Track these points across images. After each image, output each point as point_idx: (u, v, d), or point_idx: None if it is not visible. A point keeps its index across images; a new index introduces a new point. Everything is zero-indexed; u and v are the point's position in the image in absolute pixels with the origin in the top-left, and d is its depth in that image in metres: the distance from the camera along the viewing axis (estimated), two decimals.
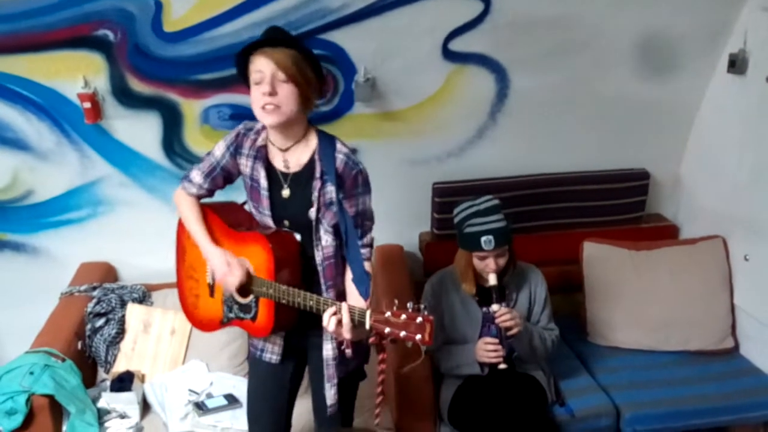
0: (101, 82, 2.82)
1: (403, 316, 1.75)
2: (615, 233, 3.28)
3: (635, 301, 3.09)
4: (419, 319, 1.73)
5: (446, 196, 3.14)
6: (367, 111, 3.04)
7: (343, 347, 1.95)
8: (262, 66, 1.84)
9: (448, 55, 2.95)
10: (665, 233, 3.42)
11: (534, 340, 2.61)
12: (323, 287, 1.98)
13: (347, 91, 2.96)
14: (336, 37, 2.80)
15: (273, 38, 1.88)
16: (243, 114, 2.93)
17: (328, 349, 2.02)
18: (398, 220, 3.16)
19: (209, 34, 2.75)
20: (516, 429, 2.48)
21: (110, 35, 2.71)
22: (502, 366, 2.47)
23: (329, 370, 2.02)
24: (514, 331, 2.48)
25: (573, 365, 2.98)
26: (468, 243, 2.52)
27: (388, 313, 1.77)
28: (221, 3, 2.69)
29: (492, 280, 2.49)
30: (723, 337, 3.08)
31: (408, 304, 1.76)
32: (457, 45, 2.92)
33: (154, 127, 2.96)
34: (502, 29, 2.87)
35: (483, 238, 2.46)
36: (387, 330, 1.76)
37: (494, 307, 2.48)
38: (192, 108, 2.94)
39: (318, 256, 1.98)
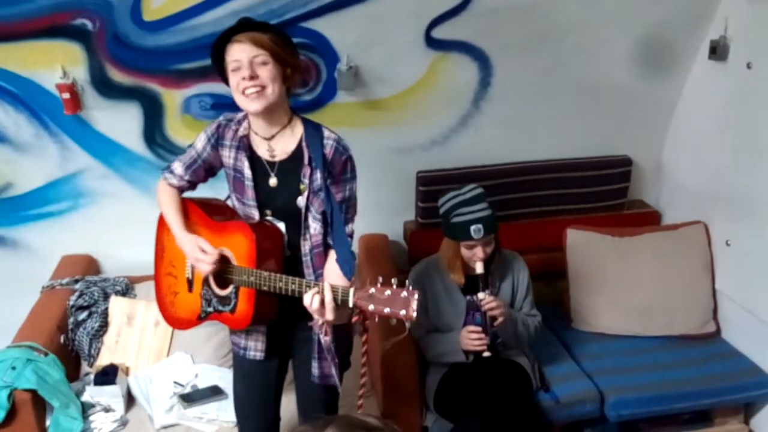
0: (80, 72, 2.77)
1: (388, 292, 1.72)
2: (598, 220, 3.30)
3: (618, 287, 3.12)
4: (404, 294, 1.71)
5: (430, 185, 3.14)
6: (350, 99, 3.02)
7: (321, 334, 1.93)
8: (237, 54, 1.83)
9: (431, 42, 2.93)
10: (647, 219, 3.45)
11: (518, 327, 2.62)
12: (311, 277, 1.96)
13: (330, 80, 2.94)
14: (318, 25, 2.78)
15: (244, 24, 1.87)
16: (225, 103, 2.90)
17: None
18: (382, 209, 3.16)
19: (190, 22, 2.71)
20: (501, 415, 2.49)
21: (88, 24, 2.67)
22: (486, 354, 2.49)
23: (330, 354, 2.00)
24: (500, 320, 2.49)
25: (557, 352, 3.00)
26: (456, 232, 2.52)
27: (372, 290, 1.74)
28: None
29: (479, 268, 2.50)
30: (705, 321, 3.12)
31: (392, 280, 1.74)
32: (440, 32, 2.91)
33: (134, 118, 2.93)
34: (484, 16, 2.86)
35: (473, 227, 2.46)
36: (371, 307, 1.74)
37: (480, 295, 2.48)
38: (173, 98, 2.91)
39: (305, 246, 1.96)
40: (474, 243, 2.50)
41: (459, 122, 3.19)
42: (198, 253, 1.95)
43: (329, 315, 1.81)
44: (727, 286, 3.10)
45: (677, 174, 3.40)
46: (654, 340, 3.08)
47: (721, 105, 3.05)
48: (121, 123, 2.93)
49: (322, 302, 1.80)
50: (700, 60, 3.12)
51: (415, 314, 1.71)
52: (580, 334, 3.12)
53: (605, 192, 3.38)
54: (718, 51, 2.98)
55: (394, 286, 1.73)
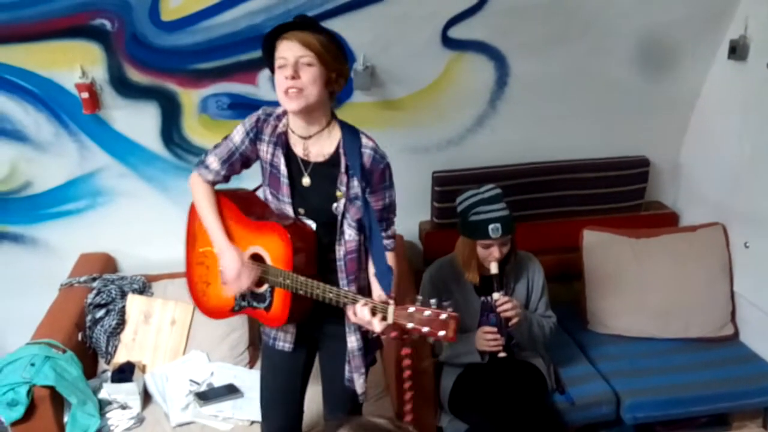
0: (99, 72, 2.80)
1: (427, 312, 1.74)
2: (615, 221, 3.28)
3: (635, 288, 3.10)
4: (444, 316, 1.73)
5: (446, 185, 3.13)
6: (366, 99, 3.02)
7: (355, 333, 1.97)
8: (284, 51, 1.82)
9: (448, 42, 2.93)
10: (665, 221, 3.42)
11: (533, 328, 2.61)
12: (344, 281, 1.96)
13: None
14: (335, 24, 2.77)
15: (298, 22, 1.86)
16: (242, 103, 2.92)
17: (352, 341, 2.00)
18: (398, 209, 3.14)
19: (207, 22, 2.73)
20: (516, 417, 2.48)
21: (107, 24, 2.69)
22: (502, 354, 2.48)
23: (356, 361, 2.01)
24: (515, 321, 2.48)
25: (573, 353, 2.99)
26: (474, 231, 2.51)
27: (412, 309, 1.76)
28: None
29: (494, 268, 2.49)
30: (723, 324, 3.09)
31: (431, 301, 1.76)
32: (457, 32, 2.90)
33: (152, 117, 2.95)
34: (501, 16, 2.85)
35: (491, 226, 2.45)
36: (410, 325, 1.75)
37: (495, 295, 2.47)
38: (190, 98, 2.93)
39: (340, 251, 1.95)
40: (491, 242, 2.49)
41: (475, 122, 3.18)
42: (238, 270, 1.96)
43: (377, 328, 1.82)
44: (745, 289, 3.07)
45: (695, 175, 3.37)
46: (671, 342, 3.05)
47: (740, 105, 3.02)
48: (139, 122, 2.95)
49: (372, 313, 1.82)
50: (720, 60, 3.10)
51: (455, 336, 1.73)
52: (596, 336, 3.11)
53: (622, 193, 3.35)
54: (737, 51, 2.96)
55: (434, 307, 1.75)
